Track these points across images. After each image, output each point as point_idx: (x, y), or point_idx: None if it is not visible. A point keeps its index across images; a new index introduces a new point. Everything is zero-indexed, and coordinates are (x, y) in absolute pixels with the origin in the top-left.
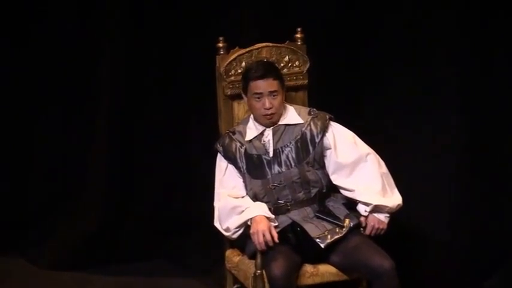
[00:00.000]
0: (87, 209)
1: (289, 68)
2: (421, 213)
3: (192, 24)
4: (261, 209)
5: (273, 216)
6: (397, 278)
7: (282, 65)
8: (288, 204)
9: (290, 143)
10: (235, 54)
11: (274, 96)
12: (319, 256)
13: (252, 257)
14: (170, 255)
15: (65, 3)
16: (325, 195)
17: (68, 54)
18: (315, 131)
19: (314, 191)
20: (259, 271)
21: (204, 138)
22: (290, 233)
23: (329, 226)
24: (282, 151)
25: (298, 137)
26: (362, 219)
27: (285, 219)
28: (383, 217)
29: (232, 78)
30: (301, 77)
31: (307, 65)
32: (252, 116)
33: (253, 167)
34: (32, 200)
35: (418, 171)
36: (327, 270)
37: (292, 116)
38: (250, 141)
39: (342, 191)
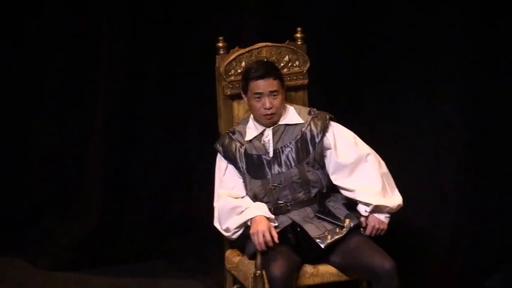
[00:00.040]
0: (85, 210)
1: (289, 68)
2: (421, 213)
3: (192, 23)
4: (261, 209)
5: (273, 216)
6: (398, 278)
7: (282, 64)
8: (288, 204)
9: (290, 143)
10: (235, 54)
11: (274, 96)
12: (319, 256)
13: (252, 257)
14: (169, 256)
15: (62, 0)
16: (325, 196)
17: (65, 53)
18: (315, 131)
19: (314, 191)
20: (259, 271)
21: (203, 138)
22: (290, 233)
23: (329, 226)
24: (282, 151)
25: (298, 137)
26: (362, 219)
27: (285, 220)
28: (383, 217)
29: (232, 78)
30: (301, 77)
31: (307, 65)
32: (252, 116)
33: (253, 167)
34: (30, 200)
35: (418, 171)
36: (327, 271)
37: (292, 116)
38: (250, 141)
39: (342, 191)
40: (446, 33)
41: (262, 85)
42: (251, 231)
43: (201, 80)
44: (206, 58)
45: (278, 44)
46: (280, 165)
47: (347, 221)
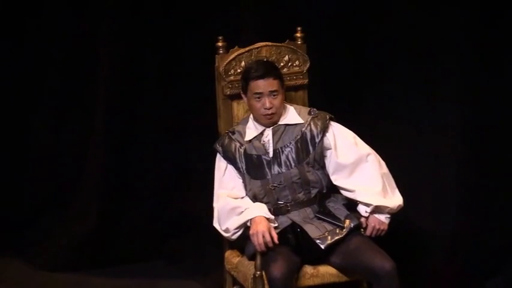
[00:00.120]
0: (84, 210)
1: (289, 68)
2: (422, 213)
3: (192, 23)
4: (260, 210)
5: (272, 217)
6: (398, 279)
7: (281, 64)
8: (288, 204)
9: (290, 143)
10: (235, 54)
11: (274, 96)
12: (319, 257)
13: (252, 258)
14: (169, 257)
15: (62, 0)
16: (325, 196)
17: (65, 53)
18: (315, 131)
19: (314, 191)
20: (258, 272)
21: (203, 138)
22: (290, 233)
23: (329, 227)
24: (282, 151)
25: (298, 137)
26: (362, 220)
27: (284, 220)
28: (384, 218)
29: (232, 78)
30: (301, 77)
31: (307, 65)
32: (251, 116)
33: (253, 168)
34: (28, 201)
35: (418, 171)
36: (327, 271)
37: (292, 116)
38: (249, 141)
39: (342, 192)
40: (446, 33)
41: (262, 85)
42: (251, 231)
43: (200, 80)
44: (206, 58)
45: (278, 44)
46: (280, 165)
47: (347, 221)
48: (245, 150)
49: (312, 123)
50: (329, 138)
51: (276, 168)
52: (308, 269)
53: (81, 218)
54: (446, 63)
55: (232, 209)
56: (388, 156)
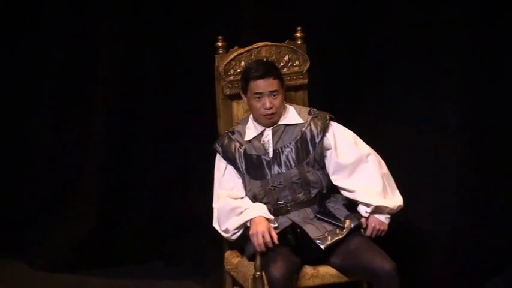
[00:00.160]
0: (84, 211)
1: (289, 68)
2: (422, 214)
3: (191, 23)
4: (260, 210)
5: (272, 217)
6: (398, 279)
7: (281, 64)
8: (288, 205)
9: (290, 143)
10: (235, 54)
11: (274, 96)
12: (319, 257)
13: (252, 258)
14: (168, 257)
15: (62, 0)
16: (325, 196)
17: (65, 53)
18: (315, 131)
19: (314, 191)
20: (258, 273)
21: (202, 138)
22: (290, 234)
23: (329, 227)
24: (282, 151)
25: (298, 137)
26: (363, 220)
27: (284, 220)
28: (384, 218)
29: (232, 77)
30: (301, 77)
31: (307, 65)
32: (251, 116)
33: (253, 168)
34: (28, 201)
35: (418, 171)
36: (327, 272)
37: (292, 116)
38: (249, 141)
39: (342, 192)
40: (446, 33)
41: (262, 85)
42: (250, 232)
43: (200, 80)
44: (206, 58)
45: (278, 44)
46: (279, 165)
47: (347, 221)
48: (245, 150)
49: (312, 123)
50: (329, 139)
51: (275, 169)
52: (308, 270)
53: (81, 218)
54: (446, 63)
55: (232, 209)
56: (388, 156)
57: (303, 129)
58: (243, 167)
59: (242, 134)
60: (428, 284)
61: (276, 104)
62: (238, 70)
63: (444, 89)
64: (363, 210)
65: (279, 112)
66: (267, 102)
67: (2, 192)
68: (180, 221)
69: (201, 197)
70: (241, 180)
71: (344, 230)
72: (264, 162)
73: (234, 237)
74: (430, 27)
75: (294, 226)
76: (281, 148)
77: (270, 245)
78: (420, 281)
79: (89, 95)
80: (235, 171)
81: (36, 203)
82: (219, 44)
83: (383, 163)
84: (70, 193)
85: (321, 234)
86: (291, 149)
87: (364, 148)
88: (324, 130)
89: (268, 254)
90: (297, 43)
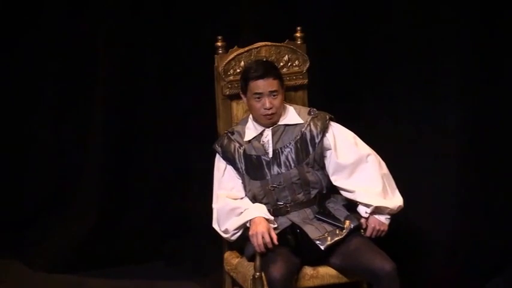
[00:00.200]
0: (84, 211)
1: (288, 68)
2: (422, 214)
3: (191, 23)
4: (260, 211)
5: (272, 217)
6: (398, 280)
7: (281, 64)
8: (288, 205)
9: (290, 143)
10: (234, 54)
11: (274, 96)
12: (319, 258)
13: (251, 259)
14: (168, 258)
15: (62, 1)
16: (325, 197)
17: (65, 53)
18: (314, 132)
19: (314, 192)
20: (258, 273)
21: (202, 138)
22: (290, 234)
23: (329, 228)
24: (282, 152)
25: (298, 137)
26: (363, 220)
27: (284, 221)
28: (384, 219)
29: (231, 77)
30: (301, 77)
31: (307, 65)
32: (251, 116)
33: (252, 168)
34: (28, 201)
35: (418, 171)
36: (326, 273)
37: (292, 116)
38: (249, 141)
39: (342, 192)
40: (446, 33)
41: (262, 85)
42: (250, 232)
43: (200, 80)
44: (206, 58)
45: (277, 44)
46: (279, 165)
47: (347, 222)
48: (244, 150)
49: (311, 124)
50: (329, 139)
51: (275, 169)
52: (308, 270)
53: (81, 218)
54: (446, 63)
55: (231, 209)
56: (388, 156)
57: (303, 129)
58: (243, 168)
59: (242, 134)
60: (428, 284)
61: (275, 104)
62: (238, 70)
63: (444, 89)
64: (362, 210)
65: (279, 112)
66: (266, 102)
67: (2, 192)
68: (180, 221)
69: (201, 197)
70: (240, 181)
71: (344, 231)
72: (264, 163)
73: (234, 237)
74: (430, 27)
75: (293, 226)
76: (281, 148)
77: (270, 245)
78: (420, 281)
79: (89, 95)
80: (234, 172)
81: (36, 203)
82: (219, 44)
83: (383, 163)
84: (70, 193)
85: (321, 235)
86: (291, 149)
87: (364, 148)
88: (324, 130)
89: (267, 254)
90: (296, 43)
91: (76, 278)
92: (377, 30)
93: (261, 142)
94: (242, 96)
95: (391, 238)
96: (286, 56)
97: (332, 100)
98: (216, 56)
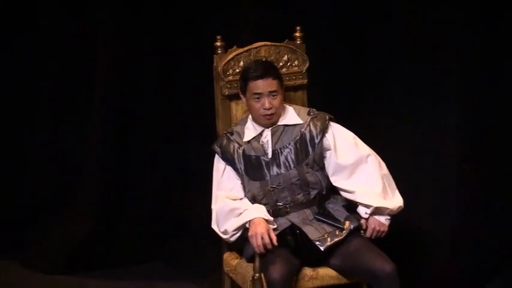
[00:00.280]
0: (84, 211)
1: (288, 68)
2: (422, 214)
3: (190, 22)
4: (259, 211)
5: (271, 218)
6: (399, 281)
7: (280, 64)
8: (287, 206)
9: (289, 144)
10: (233, 54)
11: (273, 96)
12: (319, 259)
13: (251, 260)
14: (167, 259)
15: (62, 1)
16: (325, 197)
17: (64, 53)
18: (314, 132)
19: (313, 192)
20: (257, 274)
21: (201, 139)
22: (289, 235)
23: (329, 228)
24: (281, 152)
25: (298, 137)
26: (362, 221)
27: (284, 222)
28: (384, 219)
29: (230, 78)
30: (301, 77)
31: (307, 65)
32: (250, 116)
33: (252, 169)
34: (27, 201)
35: (418, 171)
36: (326, 274)
37: (291, 116)
38: (248, 142)
39: (342, 193)
40: (446, 34)
41: (262, 85)
42: (249, 233)
43: (199, 80)
44: (205, 58)
45: (277, 43)
46: (279, 166)
47: (347, 223)
48: (244, 151)
49: (311, 124)
50: (328, 139)
51: (275, 169)
52: (307, 271)
53: (81, 218)
54: (446, 63)
55: (230, 210)
56: (388, 157)
57: (302, 129)
58: (242, 168)
59: (241, 135)
60: (428, 284)
61: (275, 104)
62: (237, 70)
63: (444, 89)
64: (362, 211)
65: (278, 112)
66: (266, 102)
67: (2, 192)
68: (179, 222)
69: (200, 197)
70: (240, 181)
71: (344, 231)
72: (263, 163)
73: (233, 238)
74: (431, 27)
75: (293, 227)
76: (280, 149)
77: (269, 246)
78: (420, 281)
79: (88, 95)
80: (234, 172)
81: (36, 203)
82: (218, 43)
83: (383, 164)
84: (70, 193)
85: (321, 236)
86: (290, 149)
87: (364, 149)
88: (324, 131)
89: (267, 255)
90: (296, 43)
91: (76, 279)
92: (377, 30)
93: (261, 142)
94: (241, 96)
95: (391, 239)
96: (286, 56)
97: (332, 100)
98: (215, 56)
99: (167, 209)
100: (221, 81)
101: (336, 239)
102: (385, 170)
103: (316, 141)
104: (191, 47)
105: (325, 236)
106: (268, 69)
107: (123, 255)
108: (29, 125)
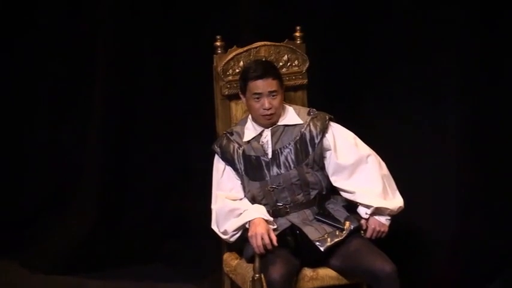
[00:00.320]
0: (84, 211)
1: (288, 68)
2: (422, 214)
3: (190, 22)
4: (259, 212)
5: (271, 218)
6: (399, 282)
7: (280, 64)
8: (287, 206)
9: (289, 144)
10: (233, 54)
11: (273, 96)
12: (319, 259)
13: (250, 260)
14: (167, 259)
15: (62, 1)
16: (325, 198)
17: (64, 53)
18: (314, 132)
19: (313, 193)
20: (257, 275)
21: (201, 139)
22: (289, 236)
23: (329, 229)
24: (281, 152)
25: (298, 137)
26: (363, 222)
27: (284, 222)
28: (384, 220)
29: (230, 78)
30: (301, 77)
31: (307, 64)
32: (250, 116)
33: (252, 169)
34: (27, 201)
35: (418, 171)
36: (326, 274)
37: (291, 116)
38: (248, 142)
39: (342, 193)
40: (446, 34)
41: (261, 85)
42: (249, 233)
43: (199, 80)
44: (205, 58)
45: (277, 43)
46: (279, 166)
47: (347, 223)
48: (243, 151)
49: (311, 124)
50: (328, 139)
51: (274, 170)
52: (307, 272)
53: (81, 218)
54: (446, 63)
55: (230, 210)
56: (388, 157)
57: (302, 129)
58: (242, 168)
59: (241, 135)
60: (428, 284)
61: (275, 104)
62: (237, 70)
63: (444, 89)
64: (363, 211)
65: (278, 112)
66: (266, 102)
67: (2, 192)
68: (178, 223)
69: (200, 198)
70: (239, 182)
71: (344, 232)
72: (263, 163)
73: (233, 239)
74: (431, 27)
75: (293, 228)
76: (280, 149)
77: (269, 247)
78: (420, 281)
79: (88, 95)
80: (233, 172)
81: (36, 203)
82: (218, 43)
83: (383, 164)
84: (70, 193)
85: (321, 236)
86: (290, 149)
87: (364, 149)
88: (324, 131)
89: (267, 256)
90: (296, 43)
91: (76, 279)
92: (377, 30)
93: (260, 143)
94: (241, 96)
95: (391, 239)
96: (286, 55)
97: (332, 100)
98: (215, 56)
99: (167, 209)
100: (221, 81)
101: (336, 240)
102: (385, 170)
103: (316, 141)
104: (191, 47)
105: (325, 236)
106: (268, 69)
107: (123, 255)
108: (29, 125)
